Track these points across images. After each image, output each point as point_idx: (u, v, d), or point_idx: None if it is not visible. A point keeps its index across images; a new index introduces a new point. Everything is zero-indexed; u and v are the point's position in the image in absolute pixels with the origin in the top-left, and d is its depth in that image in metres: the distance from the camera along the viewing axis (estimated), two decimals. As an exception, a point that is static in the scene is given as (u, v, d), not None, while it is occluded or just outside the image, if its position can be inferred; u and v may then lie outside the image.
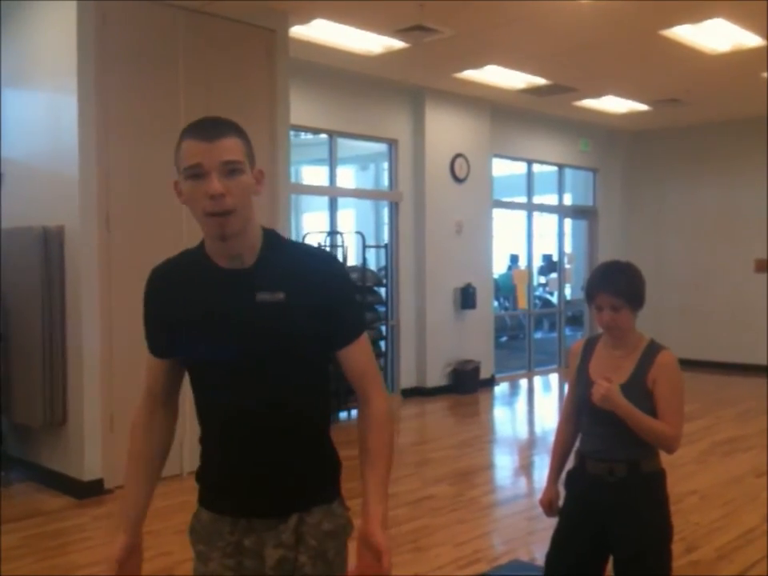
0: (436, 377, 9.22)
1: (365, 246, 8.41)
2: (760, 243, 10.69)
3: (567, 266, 11.71)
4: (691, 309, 11.31)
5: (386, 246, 8.90)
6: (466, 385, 9.27)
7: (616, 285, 2.55)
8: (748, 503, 5.19)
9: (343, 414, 8.08)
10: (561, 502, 2.78)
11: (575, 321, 12.83)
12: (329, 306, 1.71)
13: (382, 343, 8.52)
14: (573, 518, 2.68)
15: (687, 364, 11.10)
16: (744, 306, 10.85)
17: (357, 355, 1.78)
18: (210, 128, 1.62)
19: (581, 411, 2.69)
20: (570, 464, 2.81)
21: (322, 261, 1.78)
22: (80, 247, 5.36)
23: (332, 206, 8.66)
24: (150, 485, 1.91)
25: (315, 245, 1.57)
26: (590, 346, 2.72)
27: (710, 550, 4.33)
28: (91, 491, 5.29)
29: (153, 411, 1.97)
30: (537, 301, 13.12)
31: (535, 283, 13.40)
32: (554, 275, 12.58)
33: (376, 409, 1.82)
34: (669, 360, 2.57)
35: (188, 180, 1.63)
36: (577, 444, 2.78)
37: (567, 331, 12.32)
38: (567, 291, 12.50)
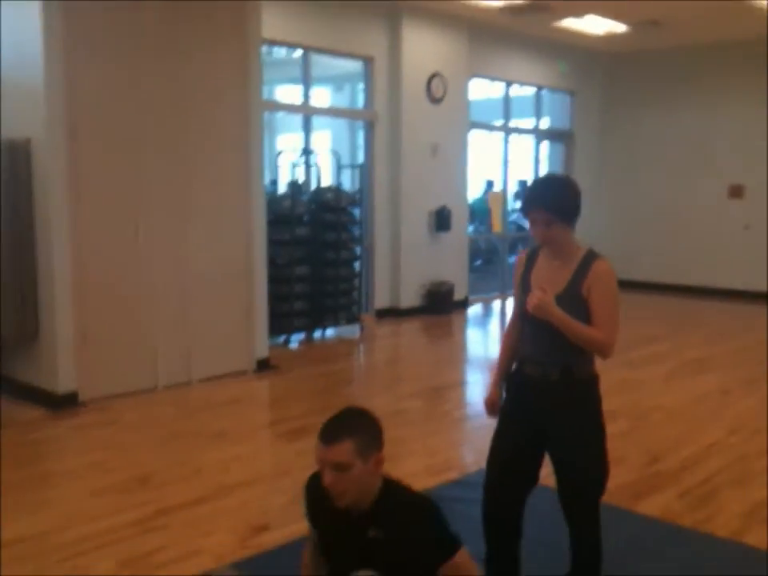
0: (410, 298, 9.27)
1: (339, 166, 8.31)
2: (735, 169, 10.73)
3: (543, 191, 11.70)
4: (666, 234, 11.39)
5: (360, 167, 8.81)
6: (440, 306, 9.33)
7: (547, 200, 2.57)
8: (712, 419, 5.34)
9: (318, 333, 8.13)
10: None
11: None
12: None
13: (356, 264, 8.52)
14: (511, 415, 2.78)
15: (661, 288, 11.33)
16: (718, 232, 10.95)
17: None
18: (330, 432, 2.09)
19: (524, 318, 2.76)
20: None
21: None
22: (48, 160, 5.25)
23: (306, 126, 8.52)
24: None
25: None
26: (533, 256, 2.78)
27: (673, 462, 4.47)
28: (66, 403, 5.31)
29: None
30: (511, 225, 13.13)
31: (510, 208, 13.39)
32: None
33: None
34: (603, 268, 2.59)
35: (317, 462, 2.12)
36: None
37: (541, 256, 12.41)
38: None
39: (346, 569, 2.18)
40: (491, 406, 2.87)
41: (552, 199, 2.58)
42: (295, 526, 3.07)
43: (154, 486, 4.06)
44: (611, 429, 5.02)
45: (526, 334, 2.74)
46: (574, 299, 2.57)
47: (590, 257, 2.64)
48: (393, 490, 2.20)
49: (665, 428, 5.12)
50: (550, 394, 2.64)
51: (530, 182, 11.31)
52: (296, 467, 4.31)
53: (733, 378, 6.50)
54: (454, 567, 1.98)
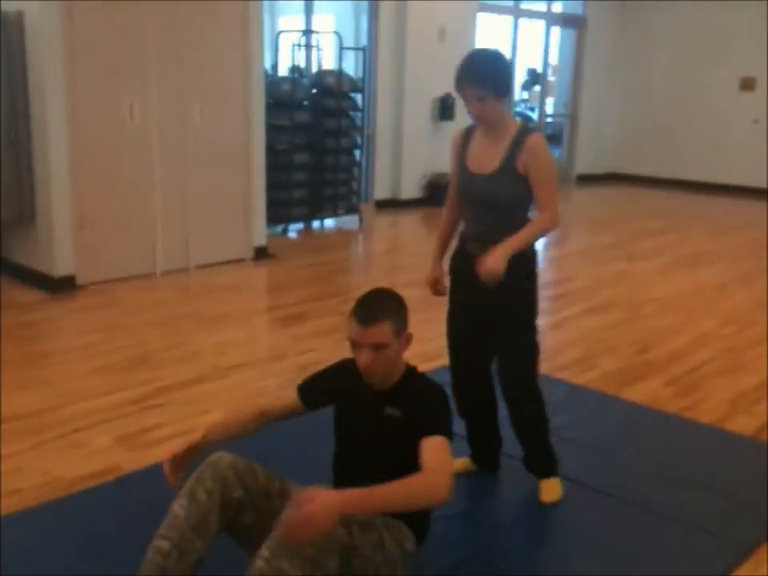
0: (411, 189, 9.19)
1: (341, 48, 8.07)
2: (749, 61, 10.42)
3: (551, 79, 11.41)
4: (675, 127, 11.18)
5: (363, 50, 8.54)
6: (441, 197, 9.17)
7: (479, 75, 2.54)
8: (705, 311, 5.38)
9: (316, 223, 8.11)
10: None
11: (555, 139, 12.65)
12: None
13: (357, 153, 8.40)
14: (458, 295, 2.84)
15: (666, 183, 11.22)
16: (727, 125, 10.74)
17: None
18: (369, 314, 2.11)
19: (462, 197, 2.76)
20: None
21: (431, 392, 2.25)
22: (41, 35, 5.10)
23: (308, 6, 8.23)
24: (238, 433, 2.33)
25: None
26: (468, 134, 2.74)
27: (663, 351, 4.53)
28: (64, 286, 5.35)
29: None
30: (517, 117, 12.88)
31: (517, 98, 13.10)
32: (536, 88, 12.28)
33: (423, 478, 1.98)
34: (536, 143, 2.57)
35: (350, 344, 2.17)
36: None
37: (546, 149, 12.22)
38: (549, 109, 12.27)
39: (358, 447, 2.26)
40: (434, 284, 2.91)
41: (484, 74, 2.54)
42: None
43: (152, 365, 4.14)
44: (605, 319, 5.13)
45: (466, 213, 2.77)
46: (510, 176, 2.59)
47: (523, 132, 2.61)
48: (413, 375, 2.28)
49: (657, 319, 5.16)
50: None
51: (530, 68, 11.01)
52: (292, 351, 4.39)
53: (730, 272, 6.52)
54: (432, 444, 2.04)
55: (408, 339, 2.20)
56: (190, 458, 2.22)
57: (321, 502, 1.78)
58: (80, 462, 3.07)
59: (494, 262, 2.51)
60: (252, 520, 2.08)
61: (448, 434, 2.11)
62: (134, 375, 3.99)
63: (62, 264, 5.37)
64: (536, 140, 2.59)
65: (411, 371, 2.28)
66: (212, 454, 2.10)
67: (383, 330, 2.11)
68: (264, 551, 1.82)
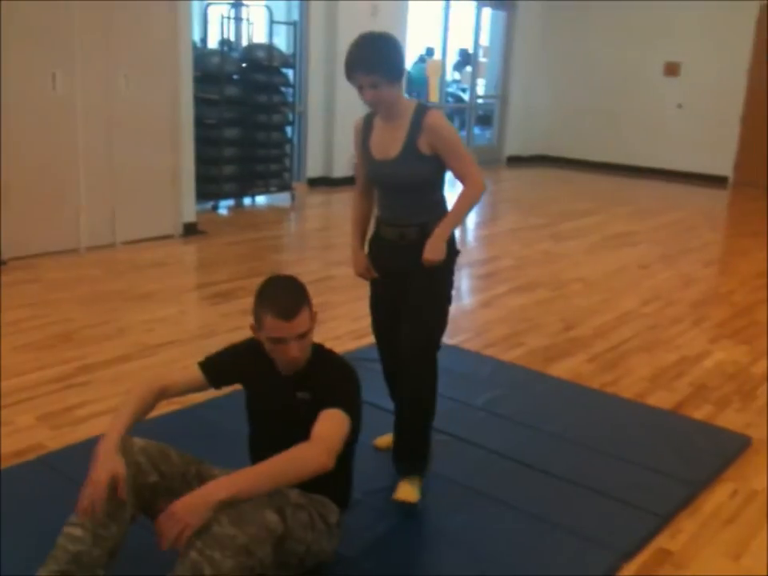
0: (343, 167, 9.14)
1: (272, 22, 7.95)
2: (673, 47, 10.70)
3: (482, 60, 11.49)
4: (604, 111, 11.41)
5: (295, 24, 8.44)
6: (373, 176, 9.24)
7: (370, 62, 2.48)
8: (628, 290, 5.54)
9: (247, 200, 8.02)
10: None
11: (485, 120, 12.79)
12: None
13: (289, 130, 8.33)
14: (378, 281, 2.83)
15: (596, 166, 11.45)
16: (653, 110, 11.02)
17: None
18: (287, 308, 2.08)
19: (373, 184, 2.78)
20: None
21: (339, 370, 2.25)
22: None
23: (239, -22, 8.07)
24: (134, 421, 2.13)
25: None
26: (368, 121, 2.74)
27: (587, 329, 4.66)
28: (-16, 262, 5.18)
29: None
30: (449, 98, 12.94)
31: (449, 78, 13.16)
32: (468, 68, 12.34)
33: (305, 450, 1.99)
34: (434, 120, 2.56)
35: (269, 341, 2.13)
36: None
37: (476, 130, 12.32)
38: (480, 90, 12.36)
39: (272, 429, 2.25)
40: (365, 270, 2.83)
41: (375, 60, 2.50)
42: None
43: (77, 343, 4.05)
44: (531, 298, 5.23)
45: (380, 200, 2.76)
46: (414, 156, 2.57)
47: (420, 112, 2.59)
48: (321, 353, 2.26)
49: (582, 298, 5.30)
50: (408, 254, 2.65)
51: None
52: (221, 329, 4.35)
53: (653, 253, 6.72)
54: (324, 416, 2.04)
55: (315, 318, 2.20)
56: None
57: (185, 499, 1.83)
58: (3, 440, 2.99)
59: (433, 252, 2.56)
60: (169, 504, 2.06)
61: (346, 405, 2.10)
62: (58, 353, 3.90)
63: (-19, 238, 5.19)
64: (433, 117, 2.57)
65: (319, 349, 2.27)
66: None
67: (304, 318, 2.12)
68: (195, 540, 1.81)
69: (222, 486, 1.87)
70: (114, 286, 5.08)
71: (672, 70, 10.79)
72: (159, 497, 2.06)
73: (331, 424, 2.04)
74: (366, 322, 3.55)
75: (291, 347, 2.11)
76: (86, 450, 2.12)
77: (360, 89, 2.52)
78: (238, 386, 2.35)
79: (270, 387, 2.25)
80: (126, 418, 2.09)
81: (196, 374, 2.28)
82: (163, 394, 2.23)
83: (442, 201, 2.71)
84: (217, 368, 2.29)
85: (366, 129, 2.71)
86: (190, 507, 1.81)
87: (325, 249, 6.65)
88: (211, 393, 3.34)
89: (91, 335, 4.17)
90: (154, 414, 2.93)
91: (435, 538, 2.57)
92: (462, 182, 2.61)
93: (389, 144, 2.61)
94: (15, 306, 4.56)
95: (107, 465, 1.94)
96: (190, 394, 2.37)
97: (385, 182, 2.67)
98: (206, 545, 1.80)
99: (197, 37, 7.61)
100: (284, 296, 2.13)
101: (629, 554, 2.48)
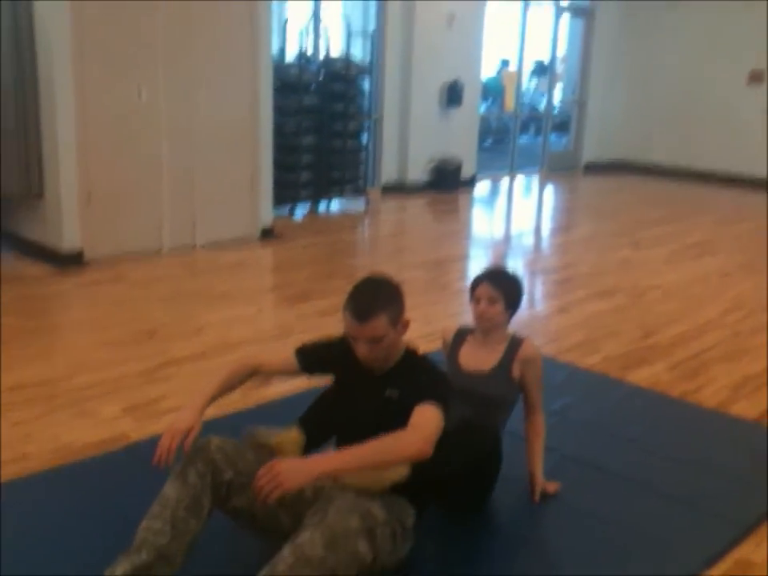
0: (417, 173, 9.19)
1: (349, 34, 8.05)
2: (758, 53, 10.39)
3: (559, 70, 11.36)
4: (683, 118, 11.14)
5: (371, 35, 8.53)
6: (447, 183, 9.26)
7: (498, 280, 2.72)
8: (709, 299, 5.39)
9: (322, 206, 8.13)
10: None
11: (562, 127, 12.64)
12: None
13: (364, 137, 8.41)
14: None
15: (673, 173, 11.18)
16: (734, 117, 10.72)
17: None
18: (363, 310, 2.12)
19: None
20: None
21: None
22: (49, 12, 5.11)
23: (317, -11, 8.19)
24: (224, 392, 2.26)
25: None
26: (460, 336, 2.82)
27: (666, 337, 4.55)
28: (71, 262, 5.37)
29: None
30: (524, 106, 12.85)
31: (524, 88, 13.07)
32: (545, 76, 12.23)
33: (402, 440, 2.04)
34: (531, 350, 2.73)
35: (348, 334, 2.19)
36: None
37: (553, 137, 12.19)
38: (557, 97, 12.24)
39: (356, 424, 2.26)
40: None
41: (503, 282, 2.73)
42: (296, 382, 3.16)
43: (159, 339, 4.17)
44: (609, 304, 5.13)
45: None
46: (503, 378, 2.70)
47: (516, 340, 2.75)
48: (413, 357, 2.30)
49: (661, 305, 5.18)
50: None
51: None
52: (297, 329, 4.42)
53: (734, 261, 6.53)
54: (420, 408, 2.06)
55: (405, 325, 2.22)
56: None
57: (291, 461, 1.93)
58: (88, 431, 3.11)
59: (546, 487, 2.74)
60: (244, 500, 2.10)
61: (440, 400, 2.11)
62: (141, 349, 4.02)
63: (69, 239, 5.39)
64: (530, 349, 2.73)
65: (410, 353, 2.30)
66: (200, 438, 2.11)
67: (378, 324, 2.12)
68: (288, 556, 1.84)
69: (326, 460, 1.94)
70: (193, 286, 5.22)
71: (757, 77, 10.48)
72: (234, 494, 2.11)
73: (427, 415, 2.06)
74: (440, 325, 3.56)
75: (360, 347, 2.16)
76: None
77: (477, 301, 2.68)
78: (311, 384, 2.39)
79: (359, 383, 2.28)
80: (214, 386, 2.21)
81: (290, 358, 2.34)
82: (256, 371, 2.32)
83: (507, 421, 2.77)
84: (311, 355, 2.35)
85: (456, 341, 2.81)
86: (291, 471, 1.87)
87: (398, 252, 6.68)
88: (289, 388, 3.42)
89: (172, 332, 4.29)
90: (231, 409, 3.01)
91: (507, 539, 2.55)
92: (533, 411, 2.75)
93: (481, 362, 2.71)
94: (98, 304, 4.73)
95: (187, 418, 2.07)
96: (281, 376, 2.47)
97: (470, 393, 2.64)
98: (297, 562, 1.82)
99: (276, 48, 7.76)
100: (364, 297, 2.17)
101: (709, 562, 2.42)
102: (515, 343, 2.73)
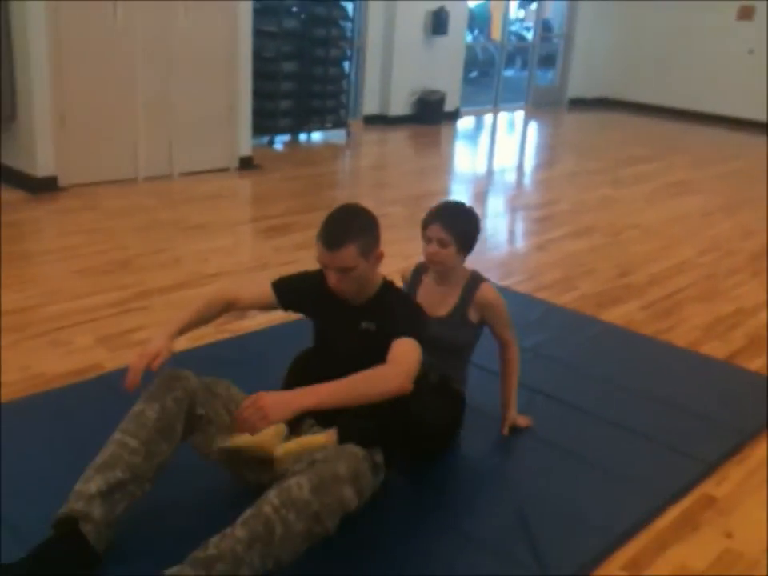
0: (400, 105, 9.05)
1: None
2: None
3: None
4: (670, 55, 10.99)
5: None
6: (430, 116, 9.14)
7: (450, 220, 2.54)
8: (687, 238, 5.41)
9: (302, 136, 8.00)
10: None
11: (548, 61, 12.44)
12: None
13: (346, 65, 8.23)
14: None
15: (659, 111, 11.10)
16: (722, 55, 10.59)
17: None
18: (333, 237, 2.09)
19: None
20: None
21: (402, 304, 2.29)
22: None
23: None
24: (197, 323, 2.23)
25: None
26: (418, 273, 2.74)
27: (642, 276, 4.57)
28: (45, 187, 5.28)
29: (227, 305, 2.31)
30: (512, 37, 12.62)
31: (512, 17, 12.82)
32: (533, 6, 11.99)
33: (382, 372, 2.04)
34: (488, 296, 2.62)
35: (319, 262, 2.17)
36: None
37: (539, 71, 12.01)
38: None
39: (334, 356, 2.27)
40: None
41: (456, 223, 2.55)
42: (270, 315, 3.15)
43: (133, 270, 4.13)
44: (587, 243, 5.15)
45: None
46: (460, 322, 2.63)
47: (473, 283, 2.63)
48: (389, 289, 2.28)
49: (639, 245, 5.20)
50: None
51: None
52: (274, 262, 4.39)
53: (714, 201, 6.53)
54: (398, 342, 2.07)
55: (379, 257, 2.19)
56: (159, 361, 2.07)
57: (274, 394, 1.93)
58: (61, 360, 3.10)
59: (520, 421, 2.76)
60: (202, 440, 2.14)
61: (418, 335, 2.12)
62: (115, 278, 3.99)
63: (43, 164, 5.28)
64: (487, 293, 2.63)
65: (387, 286, 2.28)
66: (175, 370, 2.11)
67: (348, 254, 2.09)
68: (273, 498, 1.83)
69: (309, 395, 1.93)
70: (169, 216, 5.16)
71: (746, 13, 10.32)
72: (203, 426, 2.13)
73: (406, 349, 2.06)
74: (418, 260, 3.55)
75: (330, 276, 2.14)
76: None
77: (428, 241, 2.54)
78: (287, 317, 2.38)
79: (336, 315, 2.28)
80: (188, 314, 2.19)
81: (267, 291, 2.32)
82: (232, 304, 2.29)
83: (468, 363, 2.74)
84: (288, 289, 2.34)
85: (414, 279, 2.75)
86: (276, 404, 1.89)
87: (379, 186, 6.62)
88: (264, 321, 3.42)
89: (147, 263, 4.25)
90: (206, 341, 3.00)
91: (474, 474, 2.59)
92: (506, 346, 2.70)
93: (438, 304, 2.62)
94: (73, 232, 4.66)
95: (158, 343, 2.05)
96: (257, 310, 2.44)
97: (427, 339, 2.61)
98: (282, 505, 1.82)
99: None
100: (336, 226, 2.13)
101: (673, 497, 2.47)
102: (472, 286, 2.63)
